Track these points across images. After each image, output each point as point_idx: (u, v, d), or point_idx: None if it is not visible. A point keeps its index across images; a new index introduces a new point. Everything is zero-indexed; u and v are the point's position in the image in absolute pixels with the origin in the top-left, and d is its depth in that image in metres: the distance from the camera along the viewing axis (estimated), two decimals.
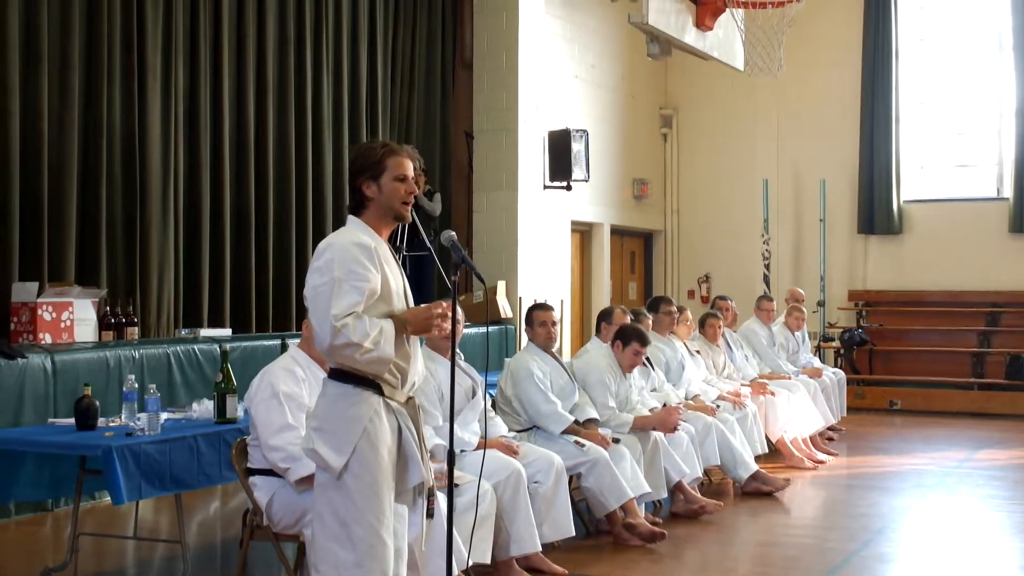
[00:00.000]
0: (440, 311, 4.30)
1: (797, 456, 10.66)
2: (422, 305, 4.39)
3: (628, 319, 8.77)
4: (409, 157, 4.45)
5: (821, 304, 16.69)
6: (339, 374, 4.29)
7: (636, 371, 8.58)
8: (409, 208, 4.45)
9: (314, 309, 4.22)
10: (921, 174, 17.12)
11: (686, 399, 9.46)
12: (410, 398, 4.43)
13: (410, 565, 4.84)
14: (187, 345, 9.16)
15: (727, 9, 11.87)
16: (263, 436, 5.51)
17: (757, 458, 9.67)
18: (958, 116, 16.98)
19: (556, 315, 8.01)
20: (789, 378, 11.55)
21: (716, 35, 12.07)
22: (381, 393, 4.29)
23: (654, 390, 9.02)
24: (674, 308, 9.98)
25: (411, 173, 4.42)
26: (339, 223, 4.38)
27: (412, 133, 13.55)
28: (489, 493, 6.20)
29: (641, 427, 8.03)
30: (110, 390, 8.15)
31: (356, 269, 4.19)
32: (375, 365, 4.21)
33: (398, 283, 4.38)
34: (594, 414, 7.84)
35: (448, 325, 4.35)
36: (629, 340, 8.20)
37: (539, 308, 7.94)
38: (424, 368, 4.57)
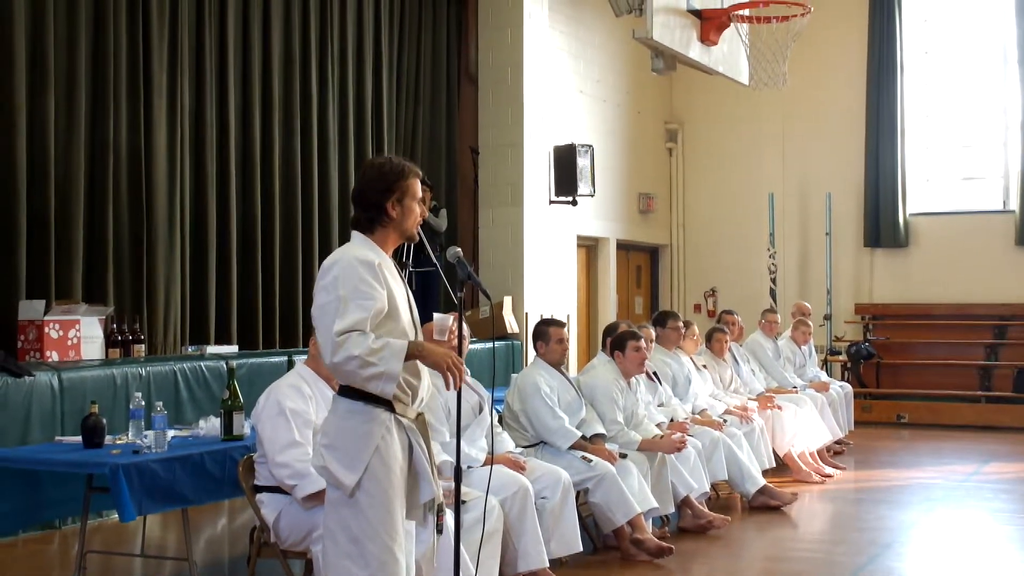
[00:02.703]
0: (457, 363, 4.27)
1: (804, 470, 10.64)
2: (442, 349, 4.37)
3: None
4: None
5: (828, 318, 16.67)
6: (349, 391, 4.27)
7: (643, 385, 8.58)
8: (419, 227, 4.50)
9: (320, 328, 4.21)
10: (927, 187, 17.12)
11: (693, 414, 9.46)
12: (420, 414, 4.43)
13: None
14: (194, 362, 9.17)
15: (731, 24, 11.88)
16: (270, 453, 5.51)
17: (764, 472, 9.67)
18: (963, 129, 16.97)
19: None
20: (796, 392, 11.55)
21: (721, 50, 12.07)
22: (392, 410, 4.27)
23: (661, 405, 9.02)
24: (680, 323, 9.98)
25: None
26: (345, 240, 4.37)
27: (417, 149, 13.58)
28: (496, 509, 6.19)
29: (648, 449, 8.03)
30: (117, 408, 8.16)
31: (361, 287, 4.18)
32: (380, 382, 4.15)
33: (403, 297, 4.38)
34: (601, 429, 7.83)
35: (459, 380, 4.32)
36: (623, 342, 8.23)
37: (554, 324, 7.91)
38: (431, 384, 4.56)
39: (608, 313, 15.89)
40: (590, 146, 14.36)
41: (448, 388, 4.33)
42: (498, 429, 7.09)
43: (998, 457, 12.42)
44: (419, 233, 4.53)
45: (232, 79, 11.03)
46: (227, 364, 6.70)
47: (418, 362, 4.35)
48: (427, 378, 4.46)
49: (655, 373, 9.17)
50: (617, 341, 8.31)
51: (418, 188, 4.44)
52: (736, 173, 17.85)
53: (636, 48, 13.73)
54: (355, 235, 4.44)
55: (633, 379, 8.37)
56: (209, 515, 8.94)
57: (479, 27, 14.15)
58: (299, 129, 11.77)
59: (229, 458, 6.10)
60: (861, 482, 10.96)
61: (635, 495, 7.46)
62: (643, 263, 18.10)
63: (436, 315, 4.47)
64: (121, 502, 5.56)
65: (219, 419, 6.41)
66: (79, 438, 6.31)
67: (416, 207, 4.43)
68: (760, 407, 10.44)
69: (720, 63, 12.21)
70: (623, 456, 7.66)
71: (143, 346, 9.50)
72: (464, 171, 14.29)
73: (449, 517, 4.95)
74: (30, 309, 8.79)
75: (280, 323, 11.47)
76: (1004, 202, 16.61)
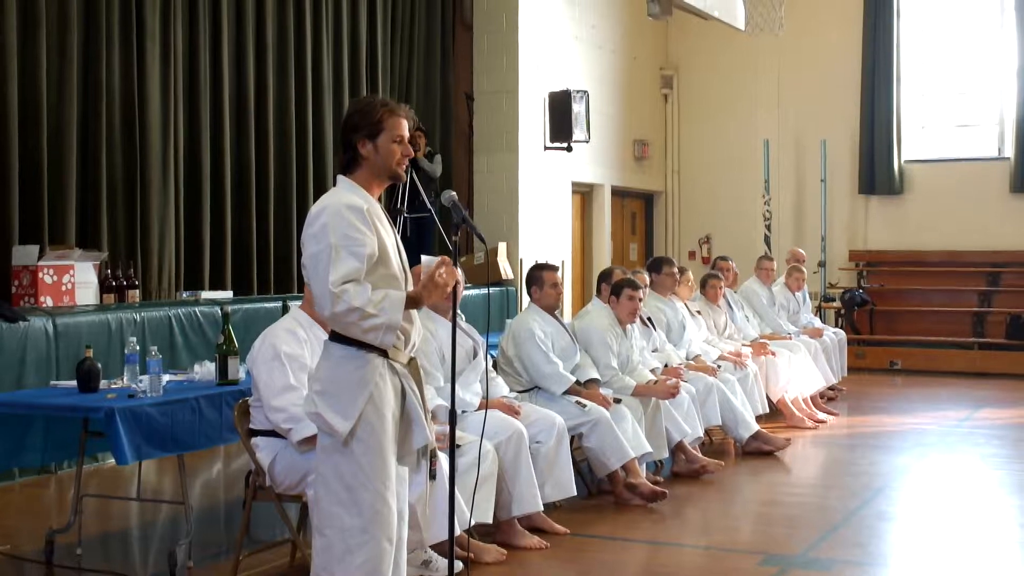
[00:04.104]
0: (441, 271, 4.26)
1: (798, 416, 10.69)
2: (420, 275, 4.33)
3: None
4: (406, 117, 4.38)
5: (822, 264, 16.70)
6: (342, 336, 4.23)
7: (637, 331, 8.59)
8: (403, 168, 4.42)
9: (313, 277, 4.15)
10: (922, 134, 17.07)
11: (687, 359, 9.48)
12: (412, 359, 4.41)
13: (412, 526, 4.86)
14: (188, 307, 9.17)
15: None
16: (265, 397, 5.51)
17: (758, 418, 9.70)
18: (959, 76, 16.91)
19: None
20: (790, 338, 11.57)
21: None
22: (385, 355, 4.25)
23: (655, 350, 9.03)
24: (675, 269, 9.98)
25: (407, 134, 4.37)
26: None
27: (412, 94, 13.53)
28: (491, 453, 6.22)
29: (642, 394, 8.05)
30: (112, 353, 8.18)
31: (352, 234, 4.12)
32: (380, 333, 4.13)
33: (392, 242, 4.34)
34: (595, 374, 7.85)
35: (449, 276, 4.30)
36: (620, 289, 8.24)
37: (548, 269, 7.89)
38: (422, 327, 4.54)
39: (603, 259, 15.89)
40: (585, 92, 14.31)
41: (449, 286, 4.31)
42: (492, 374, 7.10)
43: (990, 403, 12.47)
44: (414, 178, 4.48)
45: (226, 22, 10.96)
46: (222, 309, 6.70)
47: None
48: (419, 322, 4.44)
49: (649, 319, 9.18)
50: (615, 287, 8.31)
51: (397, 126, 4.32)
52: (731, 120, 17.79)
53: None
54: (340, 179, 4.37)
55: (628, 325, 8.38)
56: (205, 459, 8.97)
57: None
58: (293, 74, 11.72)
59: (224, 402, 6.11)
60: (854, 428, 11.02)
61: (629, 440, 7.48)
62: (638, 210, 18.08)
63: (424, 257, 4.42)
64: (117, 445, 5.57)
65: (214, 364, 6.42)
66: (74, 382, 6.32)
67: (393, 146, 4.31)
68: (754, 353, 10.46)
69: (716, 8, 12.16)
70: (617, 401, 7.68)
71: (137, 291, 9.49)
72: (459, 117, 14.25)
73: (444, 461, 4.96)
74: (24, 254, 8.79)
75: (275, 268, 11.48)
76: (999, 149, 16.58)
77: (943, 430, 10.79)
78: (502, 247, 13.36)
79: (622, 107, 16.74)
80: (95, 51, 9.68)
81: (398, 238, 4.43)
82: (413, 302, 4.23)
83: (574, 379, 7.60)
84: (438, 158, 12.42)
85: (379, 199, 4.45)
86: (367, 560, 4.20)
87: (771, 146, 17.16)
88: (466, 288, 5.86)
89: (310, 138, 11.90)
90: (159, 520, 7.35)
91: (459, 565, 5.36)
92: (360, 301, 4.07)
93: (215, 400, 6.12)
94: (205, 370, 6.59)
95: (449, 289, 4.29)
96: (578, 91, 14.15)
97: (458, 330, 4.79)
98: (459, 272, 4.44)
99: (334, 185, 4.38)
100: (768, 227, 16.90)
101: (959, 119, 16.94)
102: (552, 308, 7.81)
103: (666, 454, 8.27)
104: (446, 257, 4.30)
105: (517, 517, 6.49)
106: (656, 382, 8.27)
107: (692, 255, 17.99)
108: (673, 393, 8.20)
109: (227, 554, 6.22)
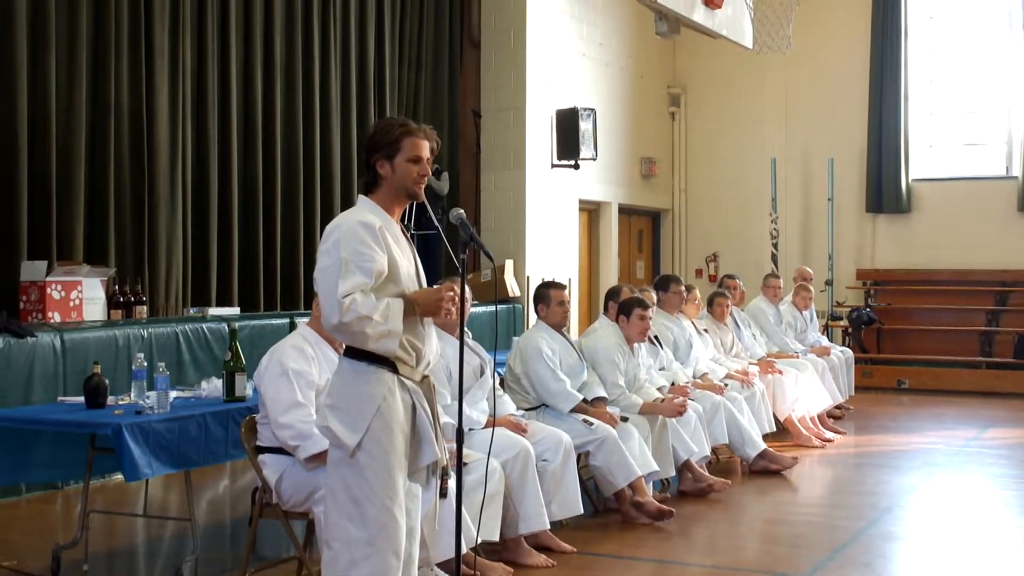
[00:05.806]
0: (450, 295, 4.30)
1: (805, 435, 10.67)
2: (431, 287, 4.40)
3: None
4: (426, 138, 4.43)
5: (829, 283, 16.68)
6: (354, 352, 4.29)
7: (644, 349, 8.58)
8: (422, 188, 4.45)
9: (322, 290, 4.22)
10: (930, 153, 17.08)
11: (694, 378, 9.47)
12: (425, 377, 4.43)
13: (420, 543, 4.85)
14: (196, 324, 9.18)
15: None
16: (272, 414, 5.52)
17: (765, 437, 9.69)
18: (967, 94, 16.91)
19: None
20: (797, 357, 11.56)
21: (725, 13, 12.04)
22: (396, 371, 4.29)
23: (662, 368, 9.03)
24: (682, 287, 9.98)
25: (426, 154, 4.41)
26: (347, 202, 4.39)
27: (420, 112, 13.54)
28: (498, 471, 6.21)
29: (649, 412, 8.03)
30: (119, 369, 8.18)
31: (362, 250, 4.19)
32: (386, 341, 4.18)
33: (408, 263, 4.36)
34: (602, 392, 7.84)
35: (456, 310, 4.36)
36: (631, 309, 8.23)
37: (555, 287, 7.89)
38: (438, 348, 4.56)
39: (610, 277, 15.90)
40: (592, 110, 14.32)
41: (452, 317, 4.40)
42: (499, 392, 7.10)
43: (998, 423, 12.44)
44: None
45: (234, 40, 10.99)
46: (229, 325, 6.72)
47: (422, 325, 4.36)
48: (434, 342, 4.47)
49: (656, 337, 9.17)
50: (625, 306, 8.30)
51: (415, 147, 4.37)
52: (739, 138, 17.80)
53: (640, 11, 13.68)
54: (359, 198, 4.44)
55: (635, 343, 8.37)
56: (211, 476, 8.97)
57: None
58: (301, 91, 11.74)
59: (231, 419, 6.12)
60: (861, 447, 10.99)
61: (636, 458, 7.47)
62: (645, 227, 18.09)
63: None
64: (126, 461, 5.57)
65: (221, 380, 6.42)
66: (82, 398, 6.32)
67: (409, 166, 4.36)
68: (761, 372, 10.45)
69: (724, 27, 12.17)
70: (624, 419, 7.66)
71: (145, 307, 9.50)
72: (466, 134, 14.27)
73: (451, 479, 4.96)
74: (32, 270, 8.81)
75: (281, 285, 11.48)
76: (1007, 168, 16.58)
77: (951, 450, 10.76)
78: (509, 264, 13.36)
79: (629, 125, 16.76)
80: (104, 67, 9.72)
81: (417, 259, 4.47)
82: (409, 305, 4.27)
83: (581, 397, 7.59)
84: (445, 175, 12.43)
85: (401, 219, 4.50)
86: (372, 573, 4.22)
87: (778, 164, 17.15)
88: (473, 306, 5.87)
89: (317, 155, 11.91)
90: (165, 536, 7.34)
91: None
92: (367, 309, 4.13)
93: (222, 417, 6.13)
94: (212, 387, 6.60)
95: (448, 316, 4.34)
96: (585, 109, 14.16)
97: (465, 347, 4.79)
98: (467, 289, 4.46)
99: (343, 203, 4.43)
100: (775, 245, 16.88)
101: (967, 138, 16.94)
102: (559, 326, 7.81)
103: (673, 472, 8.26)
104: (456, 288, 4.33)
105: (523, 535, 6.47)
106: (663, 400, 8.26)
107: (699, 273, 17.99)
108: (680, 411, 8.18)
109: (233, 571, 6.22)
